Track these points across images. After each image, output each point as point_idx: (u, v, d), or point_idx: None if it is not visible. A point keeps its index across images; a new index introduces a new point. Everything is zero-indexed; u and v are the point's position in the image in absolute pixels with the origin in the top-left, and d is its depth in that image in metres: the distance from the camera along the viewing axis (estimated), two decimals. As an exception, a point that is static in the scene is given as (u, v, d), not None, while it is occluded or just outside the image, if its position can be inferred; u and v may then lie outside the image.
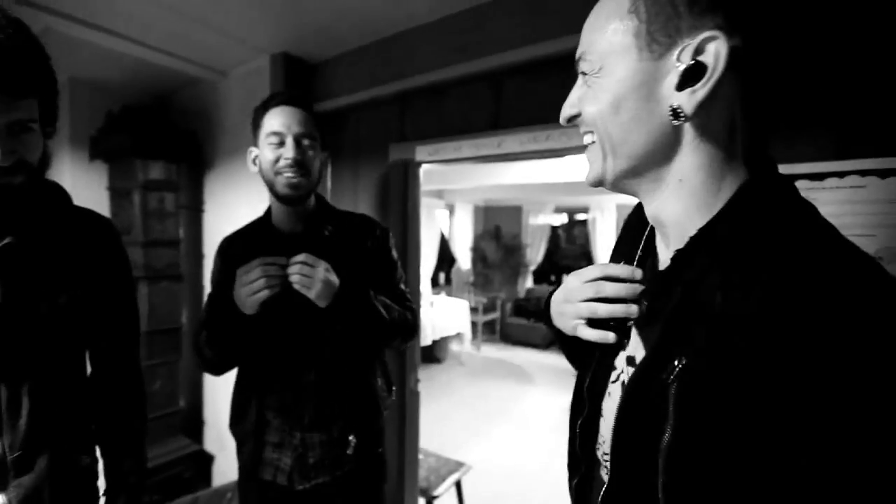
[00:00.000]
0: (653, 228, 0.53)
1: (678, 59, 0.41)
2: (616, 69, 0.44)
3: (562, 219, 7.44)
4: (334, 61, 1.99)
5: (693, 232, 0.43)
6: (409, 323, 1.12)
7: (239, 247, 1.11)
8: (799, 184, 0.99)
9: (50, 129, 0.75)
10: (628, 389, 0.45)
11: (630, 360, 0.49)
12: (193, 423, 2.53)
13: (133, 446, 0.93)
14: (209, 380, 2.49)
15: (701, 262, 0.42)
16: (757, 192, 0.43)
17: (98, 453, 0.90)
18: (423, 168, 1.75)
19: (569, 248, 7.44)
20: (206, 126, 2.42)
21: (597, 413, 0.54)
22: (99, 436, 0.91)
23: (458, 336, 5.46)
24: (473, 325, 5.91)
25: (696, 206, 0.44)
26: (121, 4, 1.58)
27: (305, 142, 1.02)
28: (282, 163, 1.00)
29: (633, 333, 0.50)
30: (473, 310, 5.95)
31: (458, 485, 2.20)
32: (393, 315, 1.06)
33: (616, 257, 0.60)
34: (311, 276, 0.92)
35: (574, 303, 0.53)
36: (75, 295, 0.80)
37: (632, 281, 0.49)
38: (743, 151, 0.45)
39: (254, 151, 1.08)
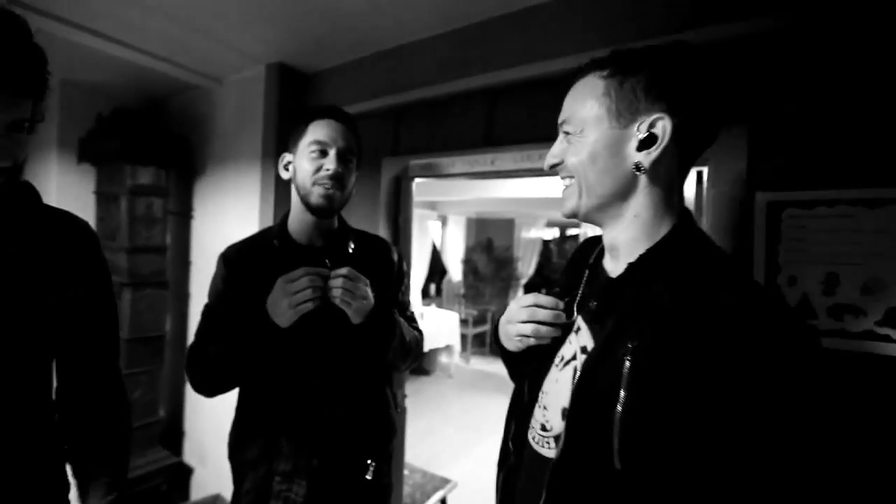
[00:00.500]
0: (598, 256, 0.71)
1: (637, 130, 0.58)
2: (592, 133, 0.60)
3: (553, 233, 7.48)
4: (329, 73, 1.99)
5: (641, 251, 0.60)
6: (420, 346, 1.12)
7: (251, 256, 1.06)
8: (788, 212, 1.00)
9: (33, 130, 0.72)
10: (586, 367, 0.58)
11: (584, 349, 0.62)
12: (173, 433, 2.47)
13: (113, 464, 0.84)
14: (191, 389, 2.44)
15: (646, 273, 0.58)
16: (686, 229, 0.61)
17: (70, 475, 0.83)
18: (417, 180, 1.74)
19: (560, 263, 7.47)
20: (198, 132, 2.40)
21: (534, 401, 0.69)
22: (72, 454, 0.83)
23: (448, 348, 5.42)
24: (463, 337, 5.87)
25: (645, 234, 0.61)
26: (118, 9, 1.57)
27: (349, 157, 1.02)
28: (322, 174, 0.99)
29: (584, 328, 0.64)
30: (464, 322, 5.92)
31: (443, 502, 2.16)
32: (410, 335, 1.06)
33: (565, 280, 0.77)
34: (353, 292, 0.90)
35: (514, 323, 0.71)
36: (46, 301, 0.74)
37: (555, 309, 0.68)
38: (676, 203, 0.62)
39: (287, 157, 1.06)
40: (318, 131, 1.00)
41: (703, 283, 0.54)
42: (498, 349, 0.83)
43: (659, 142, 0.57)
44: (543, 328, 0.67)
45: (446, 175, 1.59)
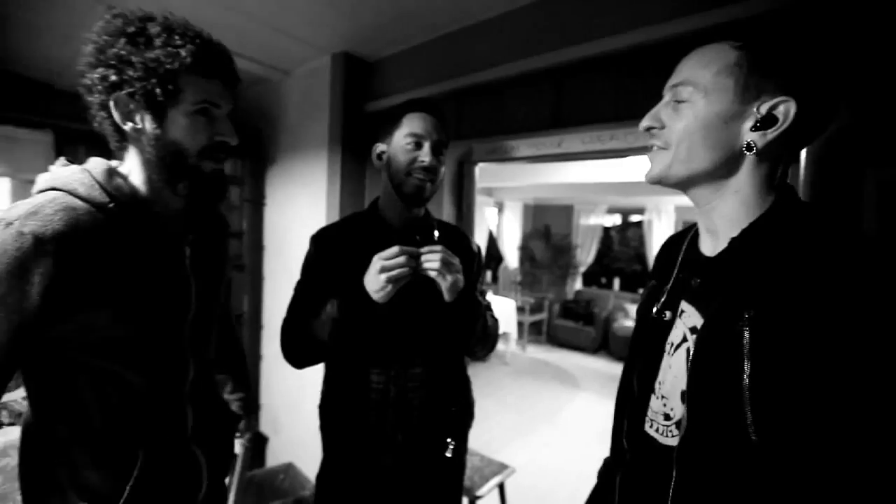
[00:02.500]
0: (691, 240, 0.70)
1: (757, 109, 0.56)
2: (712, 103, 0.58)
3: (615, 220, 7.16)
4: (392, 59, 2.01)
5: (743, 226, 0.59)
6: (496, 335, 1.15)
7: (342, 237, 1.13)
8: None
9: None
10: (699, 345, 0.57)
11: (693, 330, 0.62)
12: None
13: (247, 380, 1.21)
14: (265, 366, 2.62)
15: (753, 245, 0.57)
16: (791, 202, 0.60)
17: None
18: (479, 165, 1.73)
19: (621, 251, 7.14)
20: (269, 123, 2.53)
21: (647, 394, 0.69)
22: (233, 375, 1.16)
23: (504, 335, 5.41)
24: (520, 325, 5.83)
25: (746, 210, 0.60)
26: (199, 11, 1.68)
27: (440, 150, 1.06)
28: (416, 165, 1.03)
29: (690, 309, 0.64)
30: (520, 309, 5.87)
31: (500, 487, 2.18)
32: (490, 321, 1.09)
33: (656, 273, 0.77)
34: (449, 265, 0.93)
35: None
36: (227, 278, 0.96)
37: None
38: (778, 179, 0.61)
39: (380, 147, 1.10)
40: (413, 124, 1.04)
41: (815, 248, 0.53)
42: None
43: (779, 125, 0.56)
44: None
45: (511, 158, 1.57)
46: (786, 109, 0.55)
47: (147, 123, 0.71)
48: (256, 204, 2.60)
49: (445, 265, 0.92)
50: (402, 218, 1.10)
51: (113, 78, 0.68)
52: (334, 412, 1.12)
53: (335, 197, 2.07)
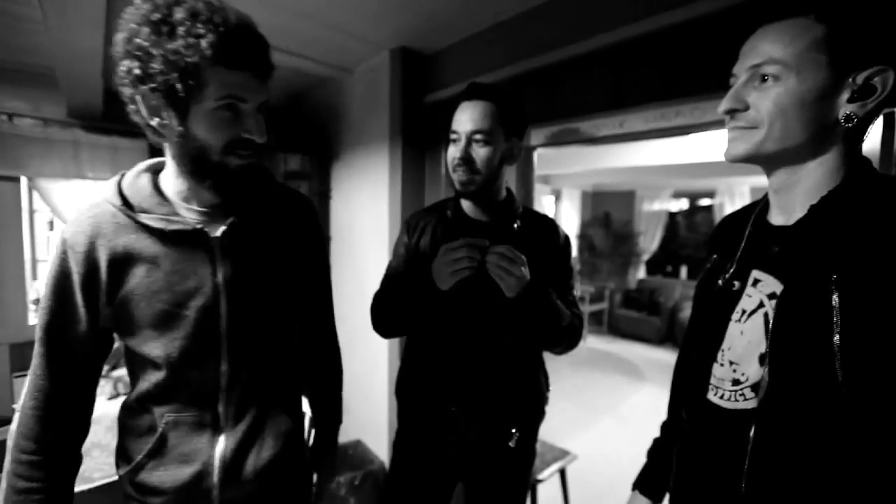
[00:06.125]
0: (759, 213, 0.71)
1: (854, 81, 0.57)
2: (805, 79, 0.58)
3: (681, 204, 6.76)
4: (448, 51, 2.05)
5: (823, 194, 0.60)
6: (577, 330, 1.11)
7: (426, 223, 1.17)
8: None
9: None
10: (782, 308, 0.59)
11: (772, 296, 0.63)
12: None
13: (335, 398, 1.05)
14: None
15: (834, 210, 0.59)
16: (867, 169, 0.61)
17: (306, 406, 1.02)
18: (538, 150, 1.73)
19: (689, 237, 6.73)
20: (333, 120, 2.67)
21: (709, 364, 0.70)
22: (309, 391, 1.03)
23: (563, 325, 5.32)
24: (579, 314, 5.71)
25: (828, 179, 0.61)
26: (270, 18, 1.81)
27: (477, 137, 1.02)
28: (451, 161, 1.06)
29: (767, 277, 0.65)
30: (581, 299, 5.74)
31: (562, 472, 2.18)
32: (566, 320, 1.06)
33: (717, 247, 0.78)
34: (508, 267, 0.93)
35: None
36: (289, 271, 0.85)
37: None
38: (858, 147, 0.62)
39: None
40: (454, 118, 1.06)
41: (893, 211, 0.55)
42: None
43: (878, 94, 0.57)
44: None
45: (570, 142, 1.55)
46: (884, 79, 0.56)
47: (172, 120, 0.67)
48: (323, 197, 2.75)
49: (503, 265, 0.92)
50: (474, 207, 1.11)
51: (137, 71, 0.63)
52: (406, 384, 1.18)
53: (396, 188, 2.15)
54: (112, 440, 1.53)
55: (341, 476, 2.19)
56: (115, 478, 1.14)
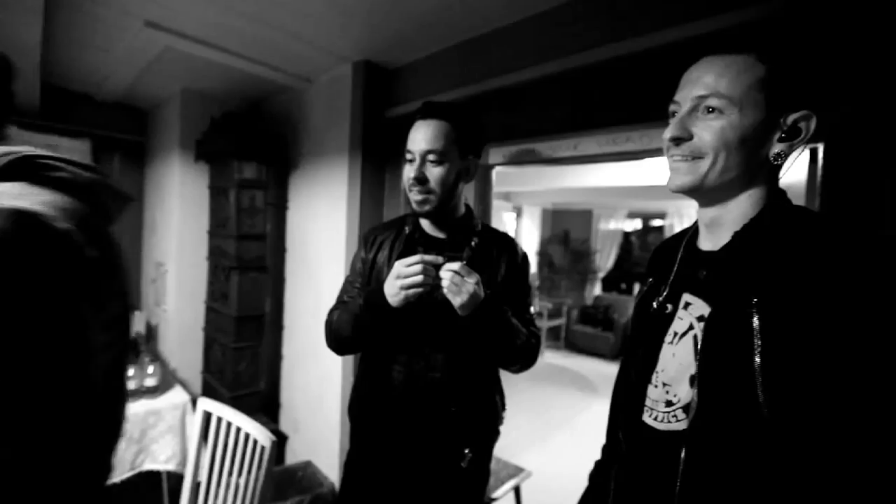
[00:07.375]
0: (689, 240, 0.75)
1: (784, 122, 0.62)
2: (748, 115, 0.61)
3: (635, 224, 7.08)
4: (411, 67, 2.06)
5: (745, 223, 0.64)
6: (534, 349, 1.10)
7: (384, 238, 1.15)
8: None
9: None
10: (709, 330, 0.61)
11: (700, 318, 0.65)
12: (271, 404, 2.74)
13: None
14: (285, 366, 2.68)
15: (756, 237, 0.62)
16: (783, 200, 0.66)
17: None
18: (496, 169, 1.76)
19: (642, 256, 7.05)
20: (292, 130, 2.61)
21: (644, 385, 0.72)
22: None
23: (521, 340, 5.38)
24: (537, 330, 5.79)
25: (751, 211, 0.65)
26: (228, 22, 1.76)
27: (431, 157, 1.02)
28: (406, 182, 1.05)
29: (696, 300, 0.68)
30: (538, 315, 5.84)
31: (517, 490, 2.18)
32: (521, 339, 1.05)
33: (653, 271, 0.81)
34: (460, 286, 0.92)
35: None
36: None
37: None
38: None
39: None
40: (409, 138, 1.05)
41: (813, 236, 0.58)
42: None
43: (802, 136, 0.62)
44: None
45: (527, 162, 1.59)
46: (808, 123, 0.61)
47: None
48: (279, 207, 2.68)
49: (455, 286, 0.92)
50: (432, 224, 1.11)
51: None
52: (358, 403, 1.15)
53: (355, 201, 2.12)
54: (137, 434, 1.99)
55: (289, 499, 2.09)
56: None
